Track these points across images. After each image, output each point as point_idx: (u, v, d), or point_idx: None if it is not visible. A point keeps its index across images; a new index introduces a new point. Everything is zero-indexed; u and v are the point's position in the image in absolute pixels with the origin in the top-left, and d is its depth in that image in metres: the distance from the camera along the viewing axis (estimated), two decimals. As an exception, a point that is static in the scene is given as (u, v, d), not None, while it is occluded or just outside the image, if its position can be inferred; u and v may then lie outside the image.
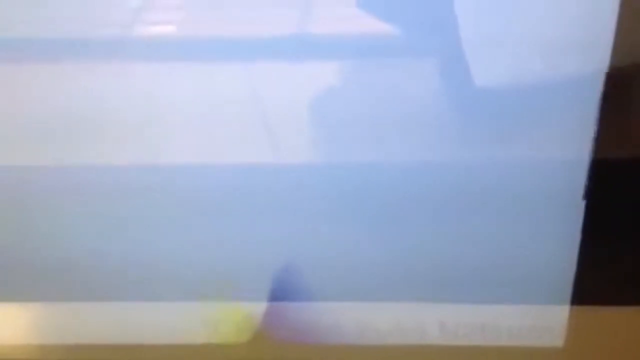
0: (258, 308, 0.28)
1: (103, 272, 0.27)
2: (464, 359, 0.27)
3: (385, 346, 0.28)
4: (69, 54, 0.24)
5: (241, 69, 0.24)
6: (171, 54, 0.24)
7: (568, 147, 0.24)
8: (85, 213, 0.26)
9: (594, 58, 0.23)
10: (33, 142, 0.25)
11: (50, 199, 0.26)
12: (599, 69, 0.23)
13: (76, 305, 0.28)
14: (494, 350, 0.27)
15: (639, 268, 0.26)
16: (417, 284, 0.26)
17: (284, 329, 0.28)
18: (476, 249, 0.25)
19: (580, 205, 0.25)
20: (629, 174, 0.25)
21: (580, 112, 0.23)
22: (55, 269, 0.27)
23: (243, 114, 0.24)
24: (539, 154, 0.24)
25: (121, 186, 0.25)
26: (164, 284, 0.27)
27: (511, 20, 0.22)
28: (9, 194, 0.26)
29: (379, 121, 0.24)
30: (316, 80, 0.24)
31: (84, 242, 0.26)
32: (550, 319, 0.27)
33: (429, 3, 0.22)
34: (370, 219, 0.26)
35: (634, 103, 0.24)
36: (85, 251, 0.27)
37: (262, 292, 0.27)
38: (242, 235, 0.26)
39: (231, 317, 0.28)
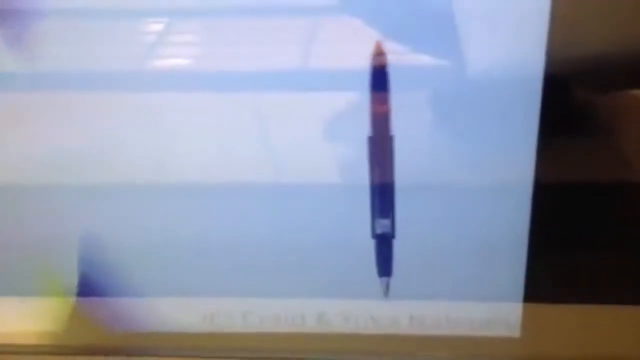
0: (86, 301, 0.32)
1: None
2: (431, 347, 0.32)
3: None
4: (93, 85, 0.28)
5: (248, 98, 0.28)
6: (183, 86, 0.28)
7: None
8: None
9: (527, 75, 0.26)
10: (53, 163, 0.29)
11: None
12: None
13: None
14: (458, 339, 0.31)
15: (581, 272, 0.30)
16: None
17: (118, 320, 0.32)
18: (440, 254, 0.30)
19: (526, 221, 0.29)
20: (575, 184, 0.28)
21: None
22: None
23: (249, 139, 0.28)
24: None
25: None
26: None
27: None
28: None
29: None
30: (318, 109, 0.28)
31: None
32: (507, 314, 0.31)
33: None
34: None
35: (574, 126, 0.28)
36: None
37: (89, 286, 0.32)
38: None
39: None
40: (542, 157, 0.27)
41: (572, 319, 0.31)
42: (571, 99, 0.27)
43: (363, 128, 0.28)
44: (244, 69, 0.27)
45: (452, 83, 0.26)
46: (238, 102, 0.28)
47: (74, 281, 0.32)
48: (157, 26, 0.27)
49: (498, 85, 0.26)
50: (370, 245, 0.30)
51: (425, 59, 0.26)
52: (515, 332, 0.31)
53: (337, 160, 0.28)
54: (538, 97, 0.26)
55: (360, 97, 0.27)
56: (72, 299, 0.32)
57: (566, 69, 0.26)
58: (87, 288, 0.32)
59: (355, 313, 0.31)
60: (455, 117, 0.27)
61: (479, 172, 0.28)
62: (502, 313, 0.31)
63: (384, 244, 0.30)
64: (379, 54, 0.26)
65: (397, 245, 0.30)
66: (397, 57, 0.26)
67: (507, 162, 0.28)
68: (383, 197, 0.29)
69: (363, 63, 0.26)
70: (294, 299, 0.31)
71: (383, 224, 0.29)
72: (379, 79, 0.27)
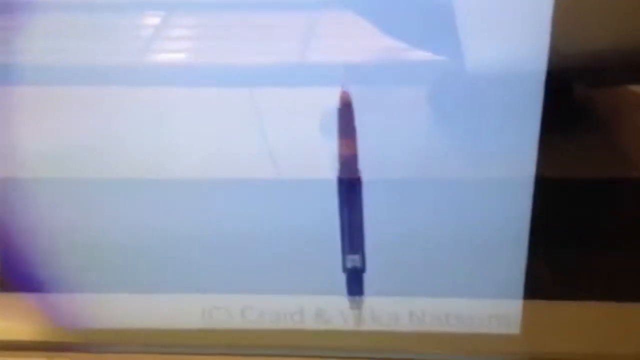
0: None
1: None
2: (431, 344, 0.32)
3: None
4: (87, 80, 0.27)
5: (246, 93, 0.28)
6: (180, 80, 0.27)
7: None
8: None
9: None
10: (50, 158, 0.29)
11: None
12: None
13: None
14: (458, 336, 0.31)
15: (581, 269, 0.30)
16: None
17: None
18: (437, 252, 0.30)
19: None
20: (576, 180, 0.28)
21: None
22: None
23: (246, 134, 0.28)
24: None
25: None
26: None
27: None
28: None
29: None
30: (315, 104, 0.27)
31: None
32: (507, 311, 0.31)
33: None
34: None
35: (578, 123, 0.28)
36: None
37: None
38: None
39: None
40: (544, 153, 0.27)
41: (572, 316, 0.30)
42: (574, 95, 0.27)
43: (362, 124, 0.27)
44: (242, 63, 0.27)
45: (454, 78, 0.26)
46: (236, 97, 0.28)
47: (72, 278, 0.31)
48: (154, 20, 0.27)
49: (501, 80, 0.26)
50: (370, 243, 0.30)
51: (427, 55, 0.26)
52: (515, 329, 0.31)
53: (336, 156, 0.28)
54: (541, 92, 0.26)
55: (359, 92, 0.27)
56: (71, 295, 0.32)
57: (569, 65, 0.26)
58: (87, 283, 0.32)
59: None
60: (457, 112, 0.27)
61: (481, 167, 0.28)
62: (502, 310, 0.31)
63: (354, 278, 0.30)
64: (346, 103, 0.27)
65: (398, 242, 0.30)
66: (398, 52, 0.26)
67: (508, 158, 0.28)
68: (352, 233, 0.29)
69: (363, 58, 0.26)
70: (293, 295, 0.31)
71: (353, 259, 0.30)
72: (346, 125, 0.27)
